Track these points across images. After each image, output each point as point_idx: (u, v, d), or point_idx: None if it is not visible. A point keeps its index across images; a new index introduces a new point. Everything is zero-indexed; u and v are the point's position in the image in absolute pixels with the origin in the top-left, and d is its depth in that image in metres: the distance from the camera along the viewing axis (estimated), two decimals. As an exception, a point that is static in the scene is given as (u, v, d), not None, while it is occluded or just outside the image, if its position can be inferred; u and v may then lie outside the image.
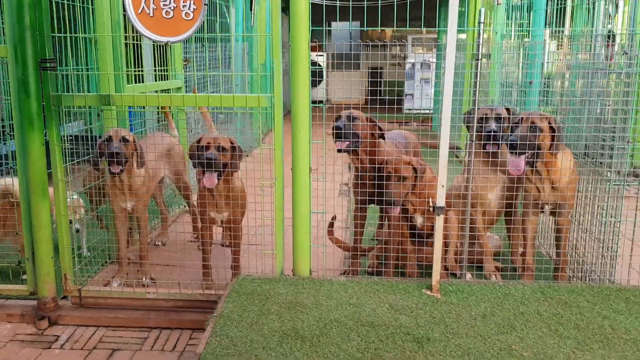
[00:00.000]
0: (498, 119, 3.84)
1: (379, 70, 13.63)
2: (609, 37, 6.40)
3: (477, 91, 3.36)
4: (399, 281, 3.44)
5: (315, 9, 3.35)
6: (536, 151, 3.54)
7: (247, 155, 7.49)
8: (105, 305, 3.81)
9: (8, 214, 4.07)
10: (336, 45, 15.41)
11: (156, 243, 4.96)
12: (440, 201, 3.17)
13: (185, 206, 5.79)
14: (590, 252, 3.80)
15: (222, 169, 3.65)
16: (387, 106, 4.58)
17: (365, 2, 3.43)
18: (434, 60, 11.56)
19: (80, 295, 3.80)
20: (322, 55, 15.09)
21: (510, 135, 3.61)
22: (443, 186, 3.16)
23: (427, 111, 11.03)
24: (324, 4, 3.67)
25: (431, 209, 3.21)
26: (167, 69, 5.48)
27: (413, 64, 11.89)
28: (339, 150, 3.79)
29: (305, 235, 3.59)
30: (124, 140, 3.81)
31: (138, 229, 4.31)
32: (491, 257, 4.07)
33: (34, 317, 3.72)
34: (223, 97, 3.48)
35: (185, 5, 3.35)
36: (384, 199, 3.68)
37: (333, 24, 15.43)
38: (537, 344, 2.74)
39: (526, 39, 6.59)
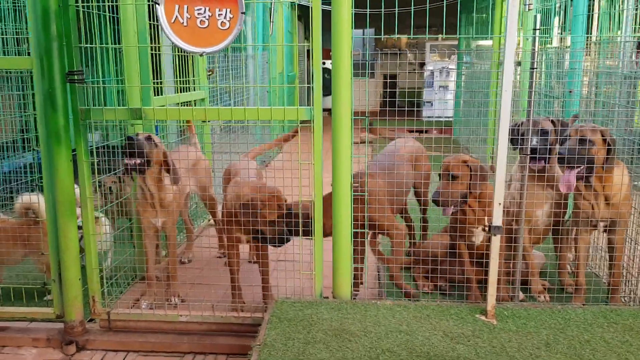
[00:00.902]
0: (542, 132, 3.62)
1: (394, 79, 13.45)
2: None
3: (532, 102, 3.15)
4: (451, 305, 3.22)
5: (326, 15, 3.18)
6: (588, 166, 3.34)
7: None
8: (135, 329, 3.62)
9: (32, 233, 3.89)
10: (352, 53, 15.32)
11: (182, 260, 4.78)
12: (497, 220, 2.96)
13: (209, 220, 5.62)
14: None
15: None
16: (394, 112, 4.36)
17: (382, 10, 3.27)
18: (453, 67, 11.38)
19: (109, 319, 3.61)
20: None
21: (560, 147, 3.41)
22: (500, 204, 2.96)
23: (447, 119, 10.83)
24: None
25: (487, 228, 3.00)
26: (188, 80, 5.31)
27: (432, 72, 11.68)
28: None
29: (347, 255, 3.39)
30: (149, 139, 3.64)
31: (167, 247, 4.13)
32: (538, 276, 3.85)
33: (60, 342, 3.54)
34: (260, 110, 3.30)
35: (222, 14, 3.17)
36: (433, 199, 3.48)
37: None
38: (611, 377, 2.53)
39: (549, 45, 6.40)
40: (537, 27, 2.98)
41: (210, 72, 5.63)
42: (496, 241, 3.01)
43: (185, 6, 3.18)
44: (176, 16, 3.20)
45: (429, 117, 11.53)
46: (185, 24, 3.20)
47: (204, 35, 3.20)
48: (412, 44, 15.38)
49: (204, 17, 3.19)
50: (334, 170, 3.33)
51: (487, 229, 3.00)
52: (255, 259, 4.74)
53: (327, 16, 3.20)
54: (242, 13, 3.16)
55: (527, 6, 6.21)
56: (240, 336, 3.54)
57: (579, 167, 3.36)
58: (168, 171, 3.74)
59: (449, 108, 10.60)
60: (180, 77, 5.15)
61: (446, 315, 3.10)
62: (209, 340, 3.54)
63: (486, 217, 3.43)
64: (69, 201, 3.44)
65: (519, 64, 6.65)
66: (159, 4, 3.18)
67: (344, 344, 2.79)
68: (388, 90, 10.40)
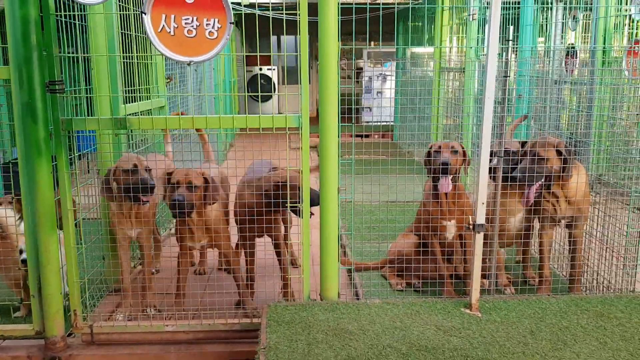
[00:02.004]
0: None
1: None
2: (568, 52, 6.67)
3: (505, 107, 3.38)
4: (436, 301, 3.40)
5: (261, 22, 3.31)
6: (547, 179, 3.62)
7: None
8: (119, 342, 3.57)
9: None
10: (287, 58, 15.40)
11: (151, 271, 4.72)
12: (481, 219, 3.16)
13: (170, 229, 5.57)
14: (604, 263, 3.89)
15: (190, 210, 3.54)
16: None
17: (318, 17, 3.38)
18: (391, 74, 11.72)
19: (92, 332, 3.54)
20: (273, 69, 15.01)
21: (516, 167, 3.65)
22: (484, 204, 3.16)
23: (387, 123, 11.14)
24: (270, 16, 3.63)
25: (470, 226, 3.20)
26: (143, 89, 5.22)
27: (370, 78, 11.99)
28: None
29: (334, 258, 3.50)
30: (149, 170, 3.66)
31: (141, 257, 4.09)
32: (503, 270, 4.11)
33: (42, 358, 3.44)
34: (249, 117, 3.35)
35: (210, 24, 3.21)
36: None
37: (281, 37, 15.40)
38: (594, 358, 2.77)
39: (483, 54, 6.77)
40: (511, 38, 3.22)
41: (169, 80, 5.59)
42: (479, 239, 3.22)
43: (173, 16, 3.20)
44: (163, 25, 3.21)
45: (367, 122, 11.82)
46: (172, 33, 3.21)
47: (192, 45, 3.23)
48: (346, 50, 15.66)
49: (192, 26, 3.21)
50: (321, 175, 3.43)
51: (471, 226, 3.19)
52: (224, 265, 4.77)
53: (264, 23, 3.29)
54: (230, 23, 3.21)
55: (472, 16, 6.57)
56: (228, 343, 3.57)
57: (537, 183, 3.63)
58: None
59: (387, 113, 10.92)
60: (129, 87, 5.06)
61: (434, 311, 3.27)
62: (197, 349, 3.54)
63: (465, 216, 3.64)
64: (49, 214, 3.35)
65: (462, 70, 7.01)
66: (145, 14, 3.18)
67: (345, 342, 2.90)
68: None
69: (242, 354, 3.46)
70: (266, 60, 15.01)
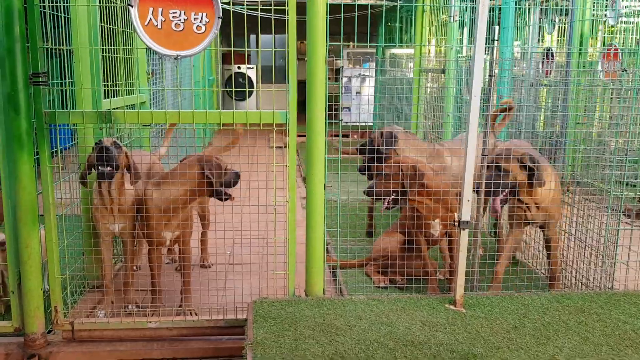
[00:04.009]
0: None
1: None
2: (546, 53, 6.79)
3: (491, 106, 3.43)
4: (421, 297, 3.43)
5: (236, 19, 3.32)
6: (512, 189, 3.65)
7: None
8: (101, 338, 3.53)
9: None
10: (263, 57, 15.32)
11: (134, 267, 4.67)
12: (466, 215, 3.20)
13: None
14: (582, 260, 3.97)
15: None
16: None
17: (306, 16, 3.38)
18: (368, 74, 11.77)
19: (73, 329, 3.49)
20: (252, 68, 14.95)
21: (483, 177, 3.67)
22: (469, 201, 3.20)
23: (366, 123, 11.19)
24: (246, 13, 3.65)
25: (456, 223, 3.24)
26: (123, 84, 5.16)
27: (350, 78, 12.03)
28: None
29: (319, 254, 3.51)
30: (116, 144, 3.58)
31: (123, 253, 4.05)
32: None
33: (22, 356, 3.38)
34: (236, 113, 3.34)
35: (197, 18, 3.19)
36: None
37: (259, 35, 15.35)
38: (576, 352, 2.82)
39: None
40: (496, 38, 3.27)
41: (150, 75, 5.53)
42: (464, 236, 3.26)
43: (160, 9, 3.17)
44: (150, 19, 3.18)
45: (346, 121, 11.84)
46: (159, 26, 3.19)
47: (179, 39, 3.20)
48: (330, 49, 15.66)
49: (179, 20, 3.19)
50: (308, 172, 3.44)
51: (456, 223, 3.23)
52: (206, 262, 4.75)
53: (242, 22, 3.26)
54: (218, 17, 3.20)
55: (452, 17, 6.64)
56: (213, 340, 3.55)
57: (503, 192, 3.65)
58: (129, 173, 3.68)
59: (367, 112, 10.96)
60: (111, 81, 5.00)
61: (419, 307, 3.30)
62: (181, 345, 3.52)
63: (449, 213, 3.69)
64: (31, 209, 3.30)
65: (442, 71, 7.08)
66: (132, 6, 3.14)
67: (332, 338, 2.91)
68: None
69: (227, 350, 3.45)
70: (243, 59, 14.95)
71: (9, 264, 3.39)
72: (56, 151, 3.63)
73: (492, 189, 3.60)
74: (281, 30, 3.30)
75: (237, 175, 3.65)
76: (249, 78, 14.90)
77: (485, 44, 3.45)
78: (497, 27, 3.34)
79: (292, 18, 3.23)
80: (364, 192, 3.88)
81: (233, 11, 3.34)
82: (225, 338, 3.54)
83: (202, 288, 4.03)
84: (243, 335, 3.17)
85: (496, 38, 3.32)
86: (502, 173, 3.59)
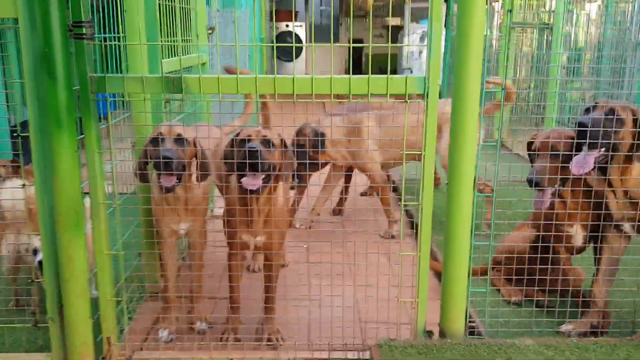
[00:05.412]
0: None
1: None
2: None
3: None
4: (616, 343, 2.45)
5: None
6: (612, 153, 2.60)
7: None
8: (168, 378, 2.68)
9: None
10: (314, 15, 14.22)
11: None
12: None
13: (212, 210, 4.65)
14: None
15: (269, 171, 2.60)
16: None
17: None
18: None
19: (131, 365, 2.64)
20: (300, 26, 13.88)
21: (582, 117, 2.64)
22: None
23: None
24: None
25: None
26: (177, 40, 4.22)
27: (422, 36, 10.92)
28: None
29: (463, 275, 2.54)
30: (178, 140, 2.65)
31: (190, 257, 3.15)
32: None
33: (64, 404, 2.55)
34: (352, 79, 2.36)
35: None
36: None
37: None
38: None
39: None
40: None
41: (211, 31, 4.57)
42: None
43: None
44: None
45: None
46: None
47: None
48: (379, 6, 14.50)
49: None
50: (451, 162, 2.46)
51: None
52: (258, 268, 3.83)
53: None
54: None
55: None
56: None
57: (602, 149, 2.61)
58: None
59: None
60: (167, 37, 4.06)
61: (615, 358, 2.33)
62: (272, 389, 2.64)
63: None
64: (74, 209, 2.40)
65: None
66: None
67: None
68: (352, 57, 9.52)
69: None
70: (290, 17, 13.89)
71: (47, 282, 2.53)
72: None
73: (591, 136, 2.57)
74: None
75: None
76: (297, 36, 13.87)
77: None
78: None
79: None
80: (527, 180, 2.81)
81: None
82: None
83: (290, 304, 3.12)
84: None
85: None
86: (615, 117, 2.56)
